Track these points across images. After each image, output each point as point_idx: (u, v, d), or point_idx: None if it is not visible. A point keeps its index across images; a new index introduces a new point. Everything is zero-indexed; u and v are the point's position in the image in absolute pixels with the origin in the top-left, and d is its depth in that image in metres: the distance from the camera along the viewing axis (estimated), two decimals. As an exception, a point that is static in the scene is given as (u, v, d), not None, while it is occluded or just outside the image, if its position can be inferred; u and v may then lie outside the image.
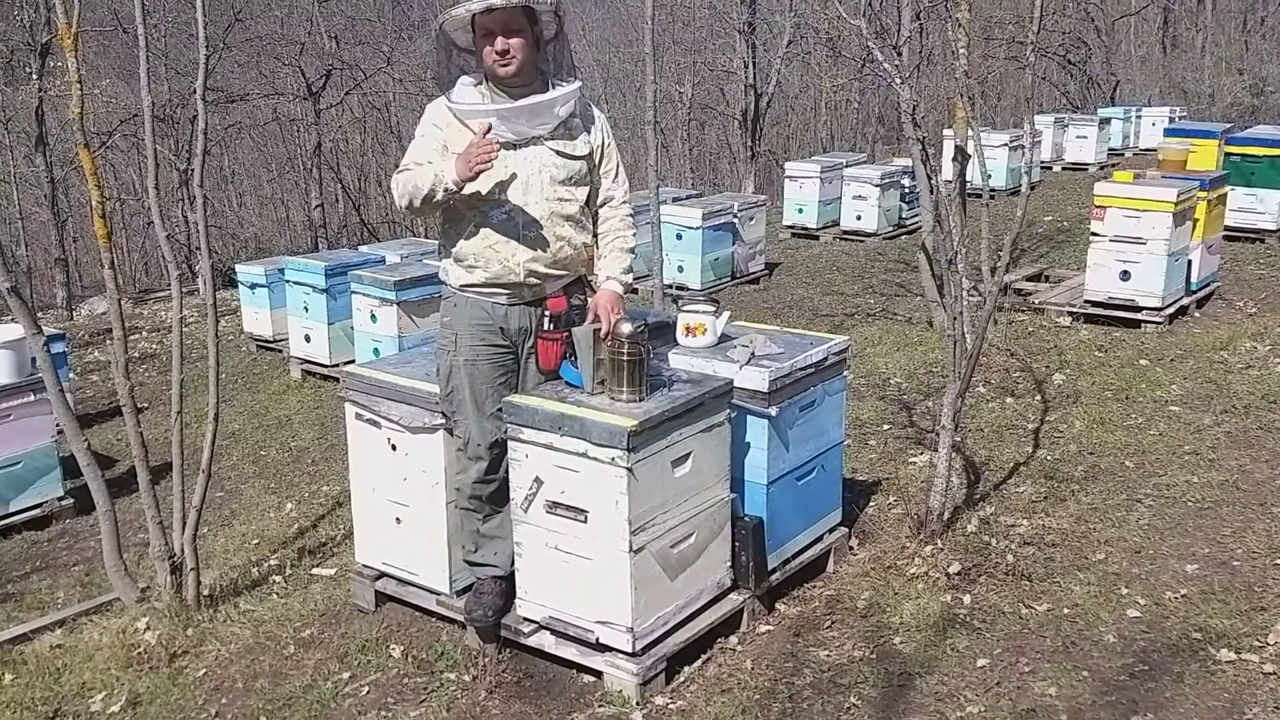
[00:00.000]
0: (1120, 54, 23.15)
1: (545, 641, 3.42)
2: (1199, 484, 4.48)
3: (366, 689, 3.49)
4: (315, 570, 4.48)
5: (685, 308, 3.76)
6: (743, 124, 15.40)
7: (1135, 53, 24.05)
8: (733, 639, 3.56)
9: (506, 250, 3.31)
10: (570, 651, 3.37)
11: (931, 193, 6.35)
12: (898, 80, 4.44)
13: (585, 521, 3.20)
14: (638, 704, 3.22)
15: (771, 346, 3.69)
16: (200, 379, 4.34)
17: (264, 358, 8.40)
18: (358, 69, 19.50)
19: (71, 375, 7.68)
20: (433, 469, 3.61)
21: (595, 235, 3.51)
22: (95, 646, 3.91)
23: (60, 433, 5.14)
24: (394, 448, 3.69)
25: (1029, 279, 8.27)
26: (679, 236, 9.01)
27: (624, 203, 3.53)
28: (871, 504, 4.50)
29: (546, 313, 3.39)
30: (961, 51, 5.45)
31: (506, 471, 3.39)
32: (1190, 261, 7.11)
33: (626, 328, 3.21)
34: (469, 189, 3.26)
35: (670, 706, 3.23)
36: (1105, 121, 15.25)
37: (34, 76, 15.51)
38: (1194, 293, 7.24)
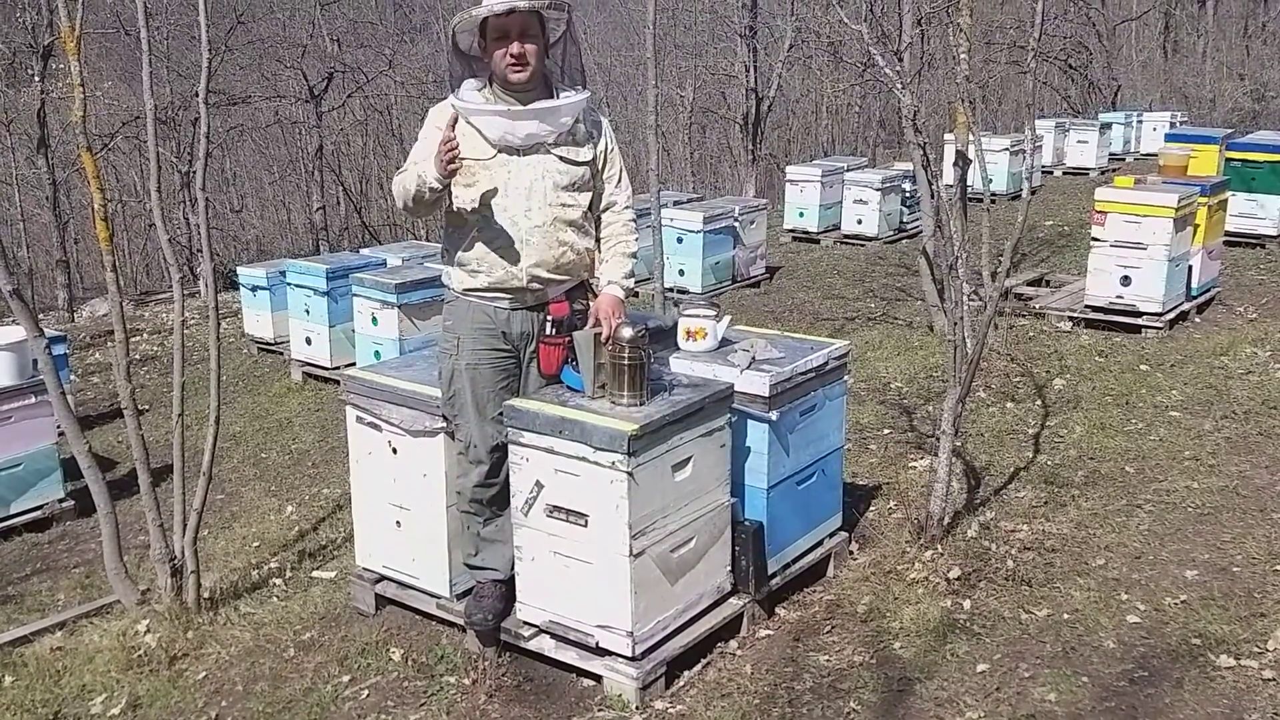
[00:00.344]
0: (1121, 59, 23.15)
1: (545, 645, 3.42)
2: (1199, 489, 4.48)
3: (366, 692, 3.49)
4: (315, 573, 4.48)
5: (686, 312, 3.76)
6: (744, 128, 15.40)
7: (1136, 58, 24.08)
8: (733, 643, 3.56)
9: (509, 255, 3.31)
10: (570, 655, 3.37)
11: (932, 197, 6.35)
12: (899, 85, 4.45)
13: (585, 525, 3.21)
14: (637, 708, 3.22)
15: (772, 351, 3.69)
16: (201, 381, 4.34)
17: (265, 360, 8.41)
18: (360, 72, 19.54)
19: (73, 377, 7.70)
20: (433, 472, 3.61)
21: (598, 240, 3.51)
22: (95, 649, 3.91)
23: (61, 434, 5.14)
24: (395, 451, 3.69)
25: (1030, 284, 8.26)
26: (680, 240, 9.02)
27: (626, 208, 3.53)
28: (872, 509, 4.50)
29: (549, 317, 3.39)
30: (963, 56, 5.46)
31: (507, 475, 3.39)
32: (1191, 267, 7.11)
33: (627, 332, 3.22)
34: (469, 195, 3.26)
35: (670, 711, 3.23)
36: (1106, 126, 15.26)
37: (36, 78, 15.55)
38: (1194, 298, 7.23)
